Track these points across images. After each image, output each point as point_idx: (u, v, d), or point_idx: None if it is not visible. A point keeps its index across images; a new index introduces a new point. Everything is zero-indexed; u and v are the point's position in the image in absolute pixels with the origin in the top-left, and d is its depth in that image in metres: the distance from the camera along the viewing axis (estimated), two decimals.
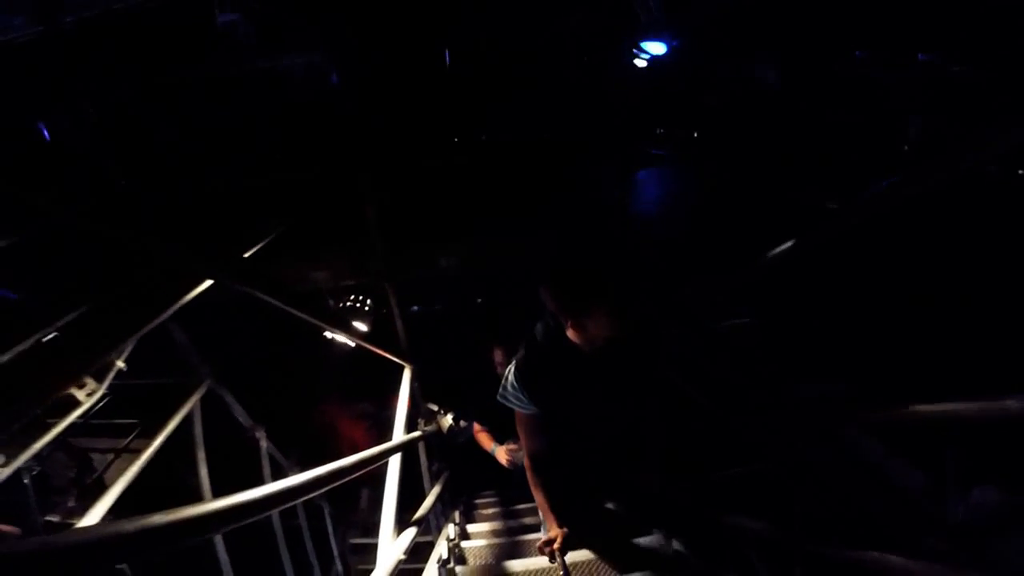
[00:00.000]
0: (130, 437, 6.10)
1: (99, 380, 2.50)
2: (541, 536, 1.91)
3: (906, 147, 6.22)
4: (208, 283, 1.32)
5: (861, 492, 1.79)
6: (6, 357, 1.82)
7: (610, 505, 2.71)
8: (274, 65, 5.25)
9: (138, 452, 6.04)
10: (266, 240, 2.68)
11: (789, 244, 1.44)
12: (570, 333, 1.55)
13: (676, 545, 2.31)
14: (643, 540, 2.46)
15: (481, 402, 3.01)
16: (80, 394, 2.42)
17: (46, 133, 5.37)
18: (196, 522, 0.66)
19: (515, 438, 2.77)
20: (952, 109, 5.93)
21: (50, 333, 2.22)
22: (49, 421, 2.46)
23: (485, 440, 3.16)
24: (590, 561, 2.29)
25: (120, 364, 2.58)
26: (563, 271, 1.49)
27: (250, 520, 0.80)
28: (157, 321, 1.32)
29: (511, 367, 1.77)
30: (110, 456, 5.98)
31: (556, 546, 1.63)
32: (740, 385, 1.89)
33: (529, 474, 1.84)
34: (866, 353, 3.27)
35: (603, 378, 1.68)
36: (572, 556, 2.04)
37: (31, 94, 5.24)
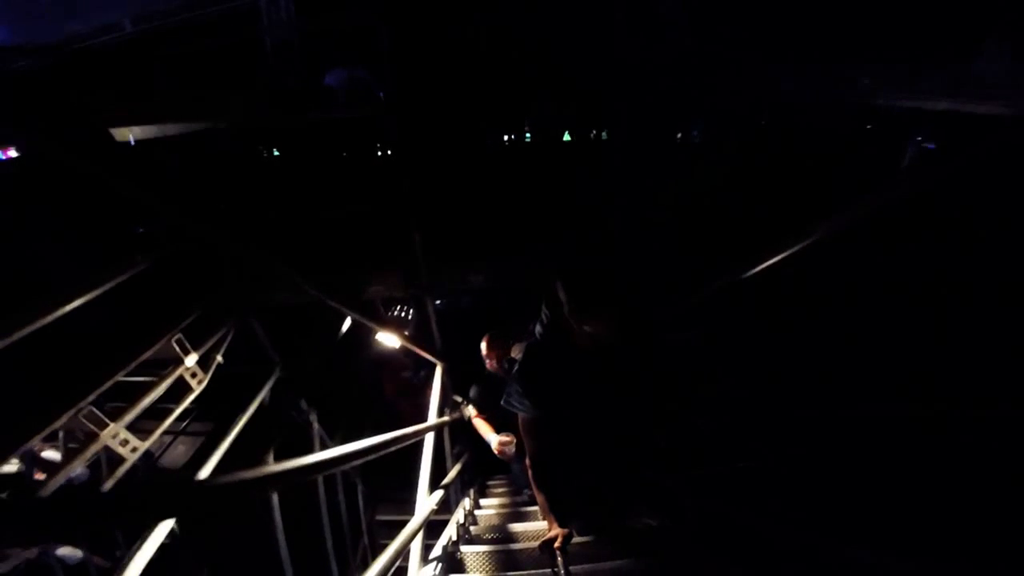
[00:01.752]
0: (186, 422, 6.93)
1: (205, 371, 3.16)
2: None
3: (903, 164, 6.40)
4: (350, 321, 1.85)
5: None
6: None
7: (610, 502, 2.90)
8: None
9: (195, 435, 6.86)
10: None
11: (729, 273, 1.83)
12: (578, 333, 1.54)
13: (675, 541, 2.45)
14: (643, 538, 2.68)
15: (488, 393, 3.22)
16: (192, 382, 3.08)
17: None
18: (290, 473, 0.83)
19: (511, 430, 2.96)
20: (952, 133, 6.11)
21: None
22: (169, 407, 3.08)
23: (483, 426, 3.21)
24: (591, 561, 2.39)
25: (219, 358, 3.25)
26: (580, 272, 1.50)
27: (318, 475, 1.03)
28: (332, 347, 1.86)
29: (514, 374, 1.84)
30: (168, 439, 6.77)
31: (557, 545, 1.64)
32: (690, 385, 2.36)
33: (531, 474, 1.87)
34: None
35: (605, 377, 1.74)
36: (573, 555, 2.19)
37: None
